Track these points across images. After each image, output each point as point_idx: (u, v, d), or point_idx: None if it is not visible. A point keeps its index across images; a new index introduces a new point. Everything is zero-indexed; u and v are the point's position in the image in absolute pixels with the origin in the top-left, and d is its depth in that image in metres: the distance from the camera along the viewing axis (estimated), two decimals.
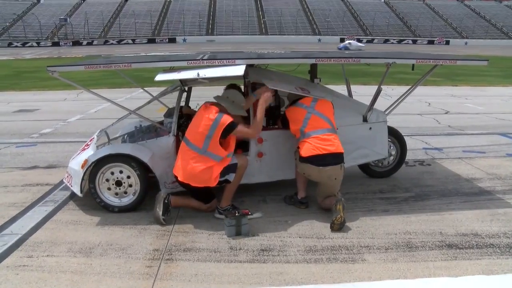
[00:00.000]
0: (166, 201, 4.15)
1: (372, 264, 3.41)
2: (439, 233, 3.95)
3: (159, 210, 4.11)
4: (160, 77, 4.13)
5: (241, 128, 4.09)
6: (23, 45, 56.16)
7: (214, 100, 4.31)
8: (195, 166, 4.02)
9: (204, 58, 4.26)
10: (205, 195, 4.26)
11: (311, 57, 4.72)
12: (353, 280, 3.19)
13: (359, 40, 50.07)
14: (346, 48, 39.63)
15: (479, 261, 3.45)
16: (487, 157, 6.55)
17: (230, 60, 4.16)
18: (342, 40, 57.74)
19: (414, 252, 3.61)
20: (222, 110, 4.12)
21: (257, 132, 4.24)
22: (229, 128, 4.02)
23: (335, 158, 4.19)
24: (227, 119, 4.02)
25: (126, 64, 4.13)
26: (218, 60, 4.13)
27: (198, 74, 3.99)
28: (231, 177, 4.15)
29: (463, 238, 3.86)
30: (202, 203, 4.30)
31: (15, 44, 56.50)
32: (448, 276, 3.22)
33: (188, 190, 4.23)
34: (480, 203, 4.68)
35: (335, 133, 4.32)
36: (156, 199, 4.17)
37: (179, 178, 4.14)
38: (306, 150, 4.17)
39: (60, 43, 57.29)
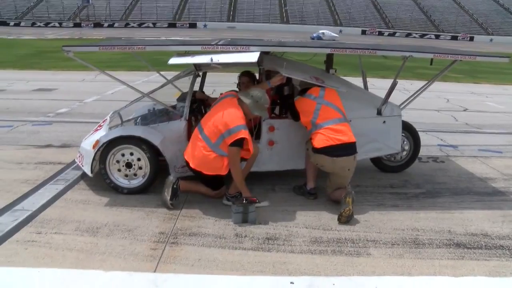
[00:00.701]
0: (175, 186, 4.16)
1: (377, 259, 3.38)
2: (448, 232, 3.89)
3: (167, 195, 4.12)
4: (173, 60, 4.11)
5: (239, 152, 4.00)
6: (46, 25, 56.66)
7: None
8: (207, 154, 4.01)
9: (218, 44, 4.23)
10: (215, 182, 4.25)
11: (327, 47, 4.65)
12: (357, 274, 3.17)
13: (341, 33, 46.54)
14: (319, 37, 38.10)
15: (487, 262, 3.40)
16: (503, 157, 6.41)
17: (244, 47, 4.12)
18: (363, 32, 56.95)
19: (421, 249, 3.56)
20: (244, 109, 4.05)
21: (241, 179, 4.10)
22: (236, 144, 3.91)
23: (349, 149, 4.15)
24: (242, 135, 3.89)
25: (140, 46, 4.12)
26: (233, 46, 4.10)
27: (212, 59, 3.96)
28: (242, 165, 4.14)
29: (472, 238, 3.79)
30: (210, 189, 4.30)
31: (38, 24, 57.06)
32: (454, 276, 3.17)
33: (198, 176, 4.23)
34: (492, 204, 4.59)
35: (346, 122, 4.27)
36: (165, 183, 4.18)
37: (190, 165, 4.13)
38: (319, 141, 4.13)
39: (82, 25, 57.63)
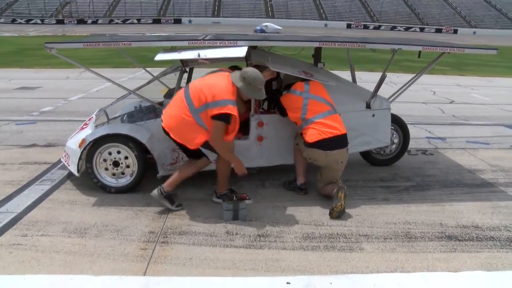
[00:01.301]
0: (164, 194, 3.97)
1: (370, 254, 3.37)
2: (439, 224, 3.89)
3: (169, 205, 4.00)
4: (160, 56, 4.03)
5: (224, 132, 3.73)
6: (27, 22, 55.64)
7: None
8: (184, 117, 3.71)
9: (205, 39, 4.16)
10: (192, 151, 3.93)
11: (315, 41, 4.61)
12: (350, 269, 3.15)
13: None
14: (262, 30, 38.02)
15: (479, 254, 3.40)
16: (491, 148, 6.46)
17: (232, 41, 4.06)
18: (349, 26, 57.06)
19: (413, 242, 3.55)
20: (238, 92, 3.76)
21: (228, 151, 3.91)
22: (222, 118, 3.63)
23: (341, 141, 4.12)
24: (229, 110, 3.60)
25: (125, 42, 4.03)
26: (220, 41, 4.03)
27: (199, 55, 3.89)
28: (212, 156, 4.00)
29: (463, 230, 3.80)
30: (192, 164, 4.02)
31: (19, 20, 55.99)
32: (448, 270, 3.16)
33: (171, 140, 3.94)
34: (481, 195, 4.61)
35: (336, 113, 4.23)
36: (155, 199, 3.98)
37: (163, 124, 3.86)
38: (311, 135, 4.09)
39: (65, 21, 56.72)
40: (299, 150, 4.34)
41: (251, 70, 3.81)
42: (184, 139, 3.80)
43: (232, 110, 3.61)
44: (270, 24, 42.58)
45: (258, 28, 39.53)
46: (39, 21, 56.33)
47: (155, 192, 3.97)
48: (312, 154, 4.18)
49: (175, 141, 3.87)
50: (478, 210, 4.23)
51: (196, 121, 3.70)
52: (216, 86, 3.72)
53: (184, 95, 3.80)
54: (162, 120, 3.90)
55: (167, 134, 3.87)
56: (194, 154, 3.98)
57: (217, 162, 4.07)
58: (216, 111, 3.61)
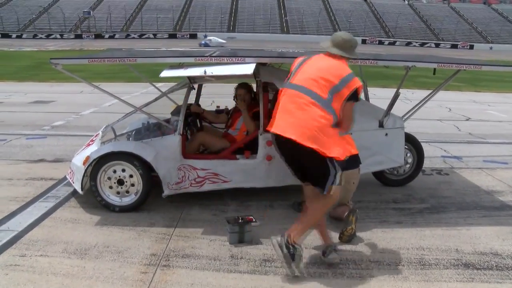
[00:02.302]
0: (291, 251, 3.12)
1: (381, 282, 3.19)
2: (455, 251, 3.69)
3: (295, 268, 3.24)
4: (166, 73, 3.96)
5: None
6: (47, 37, 56.98)
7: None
8: (321, 118, 3.06)
9: (213, 55, 4.08)
10: (322, 172, 3.15)
11: None
12: None
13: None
14: (206, 44, 38.80)
15: (499, 285, 3.19)
16: (509, 168, 6.21)
17: (239, 58, 3.96)
18: (364, 42, 56.99)
19: (427, 270, 3.36)
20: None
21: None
22: (354, 96, 3.14)
23: (353, 161, 3.96)
24: (357, 82, 3.14)
25: (131, 58, 3.97)
26: (227, 58, 3.94)
27: (205, 72, 3.80)
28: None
29: (481, 257, 3.59)
30: (317, 198, 3.27)
31: (40, 36, 57.38)
32: None
33: (290, 161, 3.35)
34: (501, 219, 4.39)
35: (348, 134, 4.08)
36: (276, 248, 3.18)
37: (287, 135, 3.10)
38: None
39: (83, 36, 57.94)
40: None
41: (345, 35, 3.37)
42: (323, 145, 3.06)
43: (359, 82, 3.17)
44: (214, 38, 44.76)
45: (203, 42, 41.34)
46: (58, 36, 57.64)
47: (275, 240, 3.20)
48: None
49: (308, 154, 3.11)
50: (497, 235, 4.01)
51: (334, 119, 3.14)
52: (332, 65, 3.22)
53: (297, 90, 3.18)
54: (278, 135, 3.19)
55: (292, 150, 3.19)
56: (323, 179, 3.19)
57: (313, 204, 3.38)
58: (348, 90, 3.12)
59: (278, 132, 3.17)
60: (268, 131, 3.37)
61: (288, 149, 3.26)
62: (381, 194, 4.98)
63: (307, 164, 3.28)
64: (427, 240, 3.86)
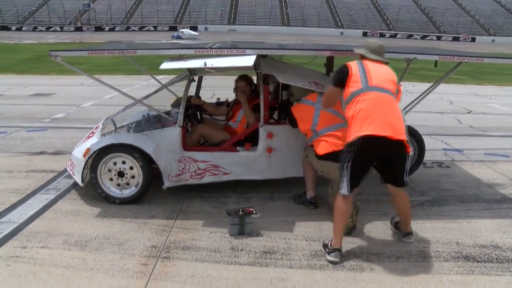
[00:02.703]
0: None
1: (381, 274, 3.19)
2: (456, 243, 3.68)
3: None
4: (165, 65, 3.93)
5: None
6: (47, 29, 56.68)
7: None
8: (401, 116, 3.41)
9: (213, 47, 4.05)
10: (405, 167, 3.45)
11: (327, 49, 4.47)
12: None
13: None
14: (178, 37, 37.75)
15: (500, 277, 3.19)
16: (511, 161, 6.20)
17: (239, 50, 3.94)
18: (365, 34, 56.70)
19: (427, 262, 3.36)
20: None
21: None
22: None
23: None
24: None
25: (131, 50, 3.95)
26: (227, 49, 3.92)
27: (205, 63, 3.78)
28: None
29: (482, 250, 3.58)
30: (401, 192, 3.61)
31: (40, 28, 57.09)
32: None
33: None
34: (501, 212, 4.38)
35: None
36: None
37: (391, 135, 3.22)
38: (323, 147, 3.93)
39: (83, 28, 57.67)
40: (308, 163, 4.19)
41: (380, 41, 3.75)
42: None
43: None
44: (186, 30, 44.26)
45: (175, 34, 40.24)
46: (58, 29, 57.37)
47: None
48: (324, 167, 4.02)
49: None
50: (498, 228, 4.01)
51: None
52: (389, 71, 3.56)
53: (387, 93, 3.37)
54: (383, 137, 3.23)
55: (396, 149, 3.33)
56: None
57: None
58: (399, 88, 3.56)
59: (389, 135, 3.23)
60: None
61: (384, 149, 3.34)
62: (381, 186, 4.94)
63: (398, 162, 3.44)
64: (428, 233, 3.86)
